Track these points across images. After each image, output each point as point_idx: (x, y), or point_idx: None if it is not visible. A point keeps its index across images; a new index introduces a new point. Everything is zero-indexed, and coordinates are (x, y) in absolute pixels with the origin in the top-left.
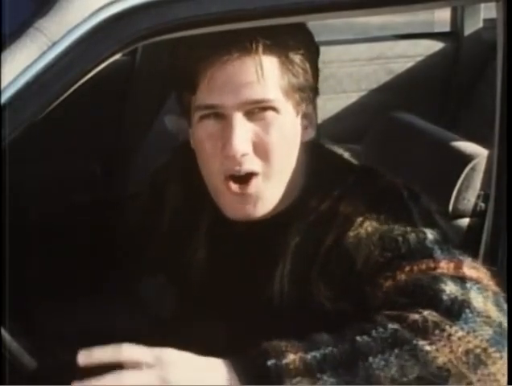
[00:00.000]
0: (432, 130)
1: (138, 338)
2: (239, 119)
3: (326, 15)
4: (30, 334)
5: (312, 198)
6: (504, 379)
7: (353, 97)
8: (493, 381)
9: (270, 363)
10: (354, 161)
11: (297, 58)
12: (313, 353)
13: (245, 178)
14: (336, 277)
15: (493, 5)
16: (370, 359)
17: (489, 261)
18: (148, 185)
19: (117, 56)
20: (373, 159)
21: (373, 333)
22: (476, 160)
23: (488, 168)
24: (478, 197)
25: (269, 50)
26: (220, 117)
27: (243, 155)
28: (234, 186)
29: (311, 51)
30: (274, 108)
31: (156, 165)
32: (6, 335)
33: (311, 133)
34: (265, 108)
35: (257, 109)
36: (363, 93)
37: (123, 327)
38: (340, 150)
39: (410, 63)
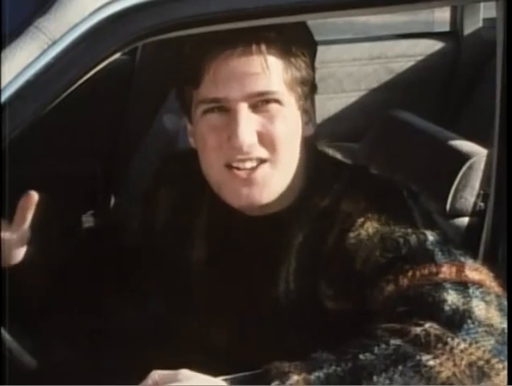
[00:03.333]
0: (430, 129)
1: (137, 338)
2: (244, 111)
3: (326, 14)
4: (30, 334)
5: (313, 196)
6: None
7: (353, 97)
8: None
9: (273, 384)
10: (346, 160)
11: (299, 52)
12: (316, 373)
13: (252, 168)
14: (337, 276)
15: (492, 4)
16: (375, 378)
17: (489, 261)
18: (142, 195)
19: (117, 55)
20: (371, 158)
21: (376, 350)
22: (474, 159)
23: (487, 167)
24: (478, 196)
25: (272, 43)
26: (225, 110)
27: (250, 146)
28: (240, 172)
29: (311, 47)
30: (277, 101)
31: (146, 175)
32: (6, 335)
33: (311, 129)
34: (269, 101)
35: (261, 102)
36: (363, 93)
37: (123, 327)
38: (331, 151)
39: (410, 63)
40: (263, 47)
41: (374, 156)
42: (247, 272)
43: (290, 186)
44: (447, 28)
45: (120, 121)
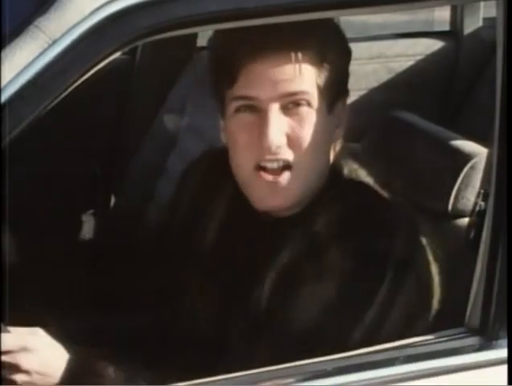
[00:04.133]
0: (432, 129)
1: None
2: (275, 112)
3: (325, 14)
4: None
5: (324, 209)
6: None
7: (353, 96)
8: None
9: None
10: (367, 179)
11: (333, 57)
12: None
13: (278, 170)
14: None
15: (492, 3)
16: None
17: (489, 261)
18: (176, 186)
19: (117, 55)
20: (372, 158)
21: None
22: (476, 159)
23: (488, 167)
24: (478, 195)
25: (306, 47)
26: (256, 109)
27: (278, 147)
28: (267, 176)
29: (344, 52)
30: (308, 103)
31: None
32: None
33: (340, 134)
34: (300, 104)
35: (292, 104)
36: (363, 92)
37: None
38: (353, 168)
39: (409, 62)
40: (298, 53)
41: (375, 157)
42: (241, 268)
43: (308, 190)
44: (447, 27)
45: (120, 121)
